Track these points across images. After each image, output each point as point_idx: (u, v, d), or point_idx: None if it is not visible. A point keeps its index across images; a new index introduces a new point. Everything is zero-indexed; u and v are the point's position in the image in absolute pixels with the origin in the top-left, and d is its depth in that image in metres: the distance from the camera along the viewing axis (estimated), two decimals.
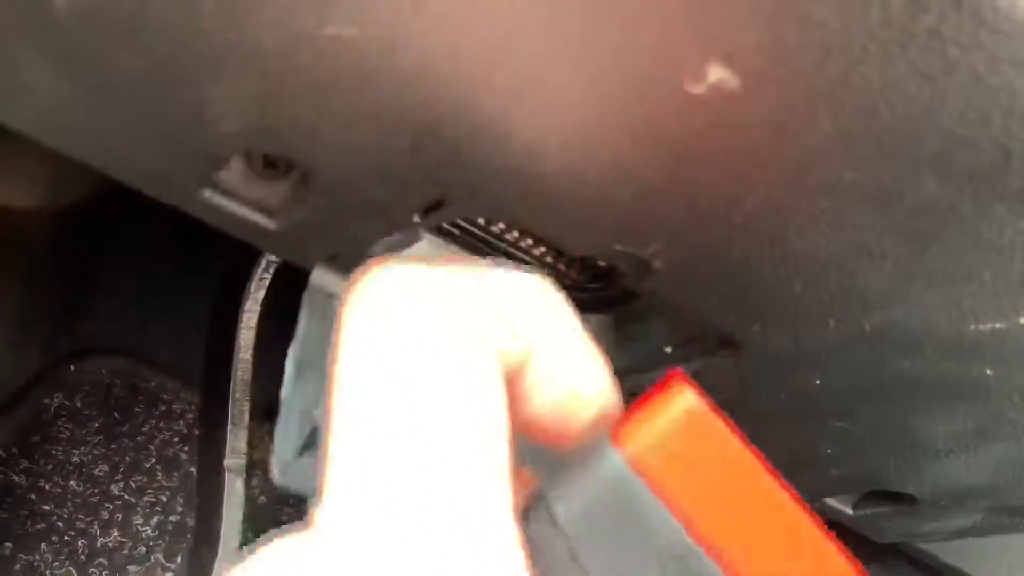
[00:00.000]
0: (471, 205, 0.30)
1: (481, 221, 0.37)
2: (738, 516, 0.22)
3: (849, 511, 0.50)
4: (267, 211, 0.33)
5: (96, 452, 0.73)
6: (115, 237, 0.75)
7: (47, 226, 0.71)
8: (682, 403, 0.22)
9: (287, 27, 0.24)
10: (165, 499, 0.74)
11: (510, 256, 0.38)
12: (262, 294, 0.61)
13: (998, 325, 0.32)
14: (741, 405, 0.41)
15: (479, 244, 0.38)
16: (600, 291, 0.39)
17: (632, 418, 0.22)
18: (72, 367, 0.74)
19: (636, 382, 0.41)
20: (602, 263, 0.38)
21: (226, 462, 0.58)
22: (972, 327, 0.32)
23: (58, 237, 0.73)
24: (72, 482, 0.72)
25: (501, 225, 0.37)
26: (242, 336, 0.60)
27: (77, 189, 0.74)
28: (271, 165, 0.32)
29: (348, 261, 0.36)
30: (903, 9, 0.21)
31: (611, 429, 0.22)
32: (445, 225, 0.37)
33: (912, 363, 0.35)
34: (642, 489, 0.21)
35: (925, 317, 0.32)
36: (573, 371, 0.23)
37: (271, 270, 0.61)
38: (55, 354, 0.74)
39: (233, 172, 0.31)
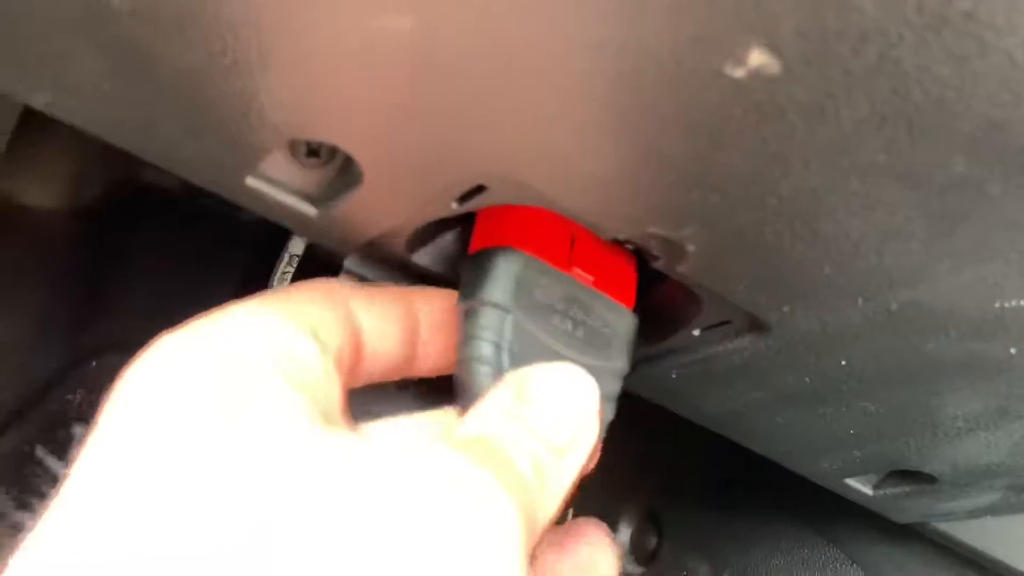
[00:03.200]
0: (510, 191, 0.31)
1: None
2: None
3: (870, 491, 0.51)
4: (309, 198, 0.33)
5: None
6: (136, 235, 0.76)
7: (68, 225, 0.72)
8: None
9: (338, 18, 0.24)
10: None
11: None
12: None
13: (1023, 303, 0.32)
14: (769, 387, 0.42)
15: None
16: None
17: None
18: (95, 363, 0.74)
19: (669, 365, 0.42)
20: (631, 247, 0.39)
21: None
22: (997, 305, 0.33)
23: (79, 236, 0.74)
24: None
25: None
26: None
27: (98, 189, 0.75)
28: (314, 153, 0.32)
29: (384, 248, 0.37)
30: None
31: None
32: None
33: (936, 343, 0.36)
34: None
35: (951, 296, 0.33)
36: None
37: (294, 264, 0.62)
38: (77, 351, 0.75)
39: (276, 160, 0.32)
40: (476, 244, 0.35)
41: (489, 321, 0.33)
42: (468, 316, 0.33)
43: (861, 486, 0.51)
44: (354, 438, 0.27)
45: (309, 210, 0.33)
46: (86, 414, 0.74)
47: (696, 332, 0.39)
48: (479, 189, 0.31)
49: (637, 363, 0.43)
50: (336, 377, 0.30)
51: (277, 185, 0.33)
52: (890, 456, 0.46)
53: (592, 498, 0.46)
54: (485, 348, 0.32)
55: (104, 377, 0.75)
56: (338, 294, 0.31)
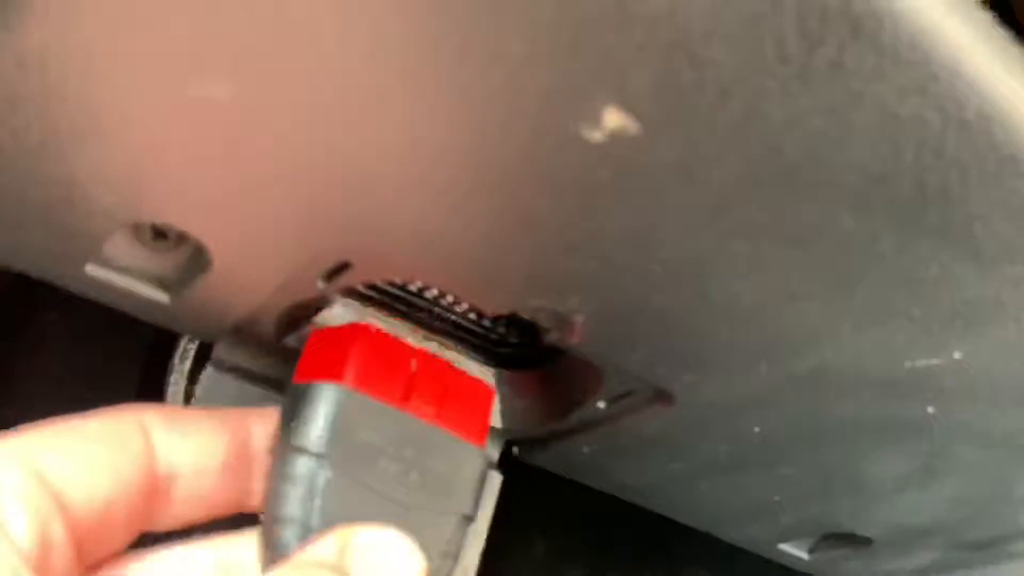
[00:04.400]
0: (376, 268, 0.28)
1: (398, 280, 0.35)
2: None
3: (805, 555, 0.49)
4: (160, 284, 0.30)
5: None
6: (33, 326, 0.72)
7: None
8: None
9: (149, 87, 0.22)
10: None
11: (432, 314, 0.36)
12: (187, 366, 0.58)
13: (933, 361, 0.30)
14: (684, 457, 0.39)
15: (397, 304, 0.36)
16: (528, 347, 0.38)
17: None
18: None
19: (579, 440, 0.39)
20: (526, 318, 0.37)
21: None
22: (907, 365, 0.31)
23: None
24: None
25: (419, 283, 0.35)
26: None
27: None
28: (161, 235, 0.30)
29: (254, 331, 0.34)
30: (799, 44, 0.20)
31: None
32: (359, 288, 0.35)
33: (850, 404, 0.34)
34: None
35: (858, 358, 0.31)
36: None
37: (196, 341, 0.58)
38: None
39: (119, 244, 0.29)
40: (300, 373, 0.31)
41: (301, 472, 0.29)
42: (279, 462, 0.29)
43: (796, 551, 0.48)
44: None
45: (161, 297, 0.30)
46: None
47: (601, 404, 0.37)
48: (344, 266, 0.29)
49: (548, 440, 0.40)
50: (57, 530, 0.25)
51: (123, 272, 0.30)
52: (821, 520, 0.44)
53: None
54: (292, 507, 0.28)
55: None
56: (129, 428, 0.27)
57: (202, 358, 0.59)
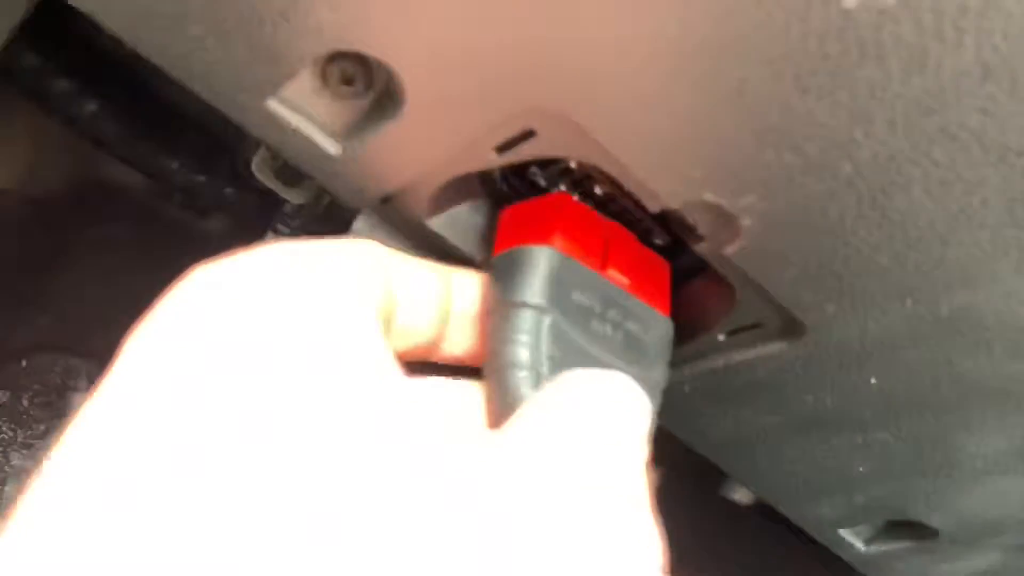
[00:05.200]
0: (562, 139, 0.28)
1: (542, 183, 0.35)
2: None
3: (862, 546, 0.48)
4: (333, 133, 0.30)
5: (39, 457, 0.67)
6: (87, 232, 0.71)
7: (18, 210, 0.67)
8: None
9: None
10: None
11: None
12: None
13: None
14: (786, 409, 0.39)
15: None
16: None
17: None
18: (24, 363, 0.68)
19: (684, 375, 0.39)
20: (658, 241, 0.37)
21: None
22: None
23: (25, 224, 0.69)
24: (8, 488, 0.66)
25: (562, 188, 0.35)
26: None
27: (55, 177, 0.70)
28: (347, 82, 0.30)
29: (402, 207, 0.34)
30: None
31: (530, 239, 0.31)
32: (505, 188, 0.35)
33: (976, 362, 0.34)
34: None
35: (1006, 302, 0.31)
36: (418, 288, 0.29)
37: None
38: (6, 348, 0.69)
39: (303, 84, 0.29)
40: (503, 243, 0.32)
41: (525, 323, 0.29)
42: (501, 318, 0.30)
43: (854, 540, 0.48)
44: None
45: (332, 147, 0.30)
46: (10, 417, 0.68)
47: (722, 336, 0.37)
48: (526, 136, 0.29)
49: None
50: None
51: (301, 112, 0.30)
52: (895, 501, 0.44)
53: None
54: (523, 353, 0.29)
55: (31, 379, 0.69)
56: (379, 257, 0.27)
57: None
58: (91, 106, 0.66)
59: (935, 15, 0.23)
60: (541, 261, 0.31)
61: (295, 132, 0.30)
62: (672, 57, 0.25)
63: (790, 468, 0.43)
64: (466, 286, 0.31)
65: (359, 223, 0.34)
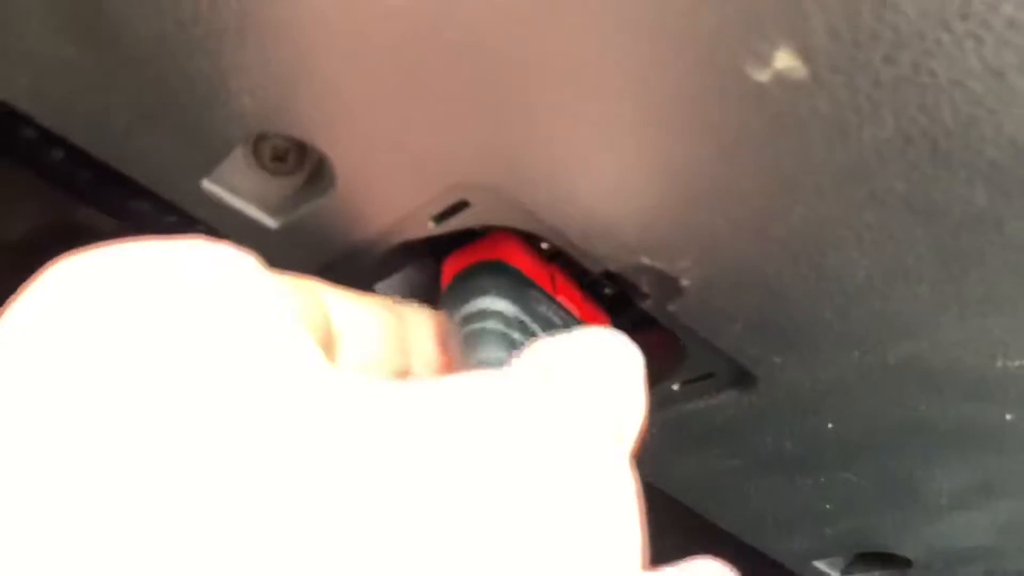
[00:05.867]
0: (496, 209, 0.28)
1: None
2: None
3: None
4: (269, 208, 0.30)
5: None
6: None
7: None
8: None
9: None
10: None
11: None
12: None
13: None
14: (747, 452, 0.39)
15: None
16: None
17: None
18: None
19: (650, 419, 0.39)
20: (608, 292, 0.37)
21: None
22: (998, 364, 0.31)
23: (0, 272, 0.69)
24: None
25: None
26: None
27: (26, 223, 0.70)
28: (279, 158, 0.30)
29: (345, 275, 0.33)
30: None
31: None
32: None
33: (929, 406, 0.34)
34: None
35: (952, 350, 0.31)
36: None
37: None
38: None
39: (237, 163, 0.29)
40: (461, 263, 0.31)
41: (495, 326, 0.28)
42: (468, 327, 0.28)
43: (829, 570, 0.48)
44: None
45: (269, 221, 0.30)
46: None
47: (675, 386, 0.37)
48: (460, 206, 0.29)
49: None
50: None
51: (236, 191, 0.30)
52: (864, 534, 0.44)
53: None
54: (495, 351, 0.27)
55: None
56: (310, 284, 0.24)
57: None
58: (58, 153, 0.67)
59: (849, 90, 0.23)
60: (506, 274, 0.30)
61: (231, 209, 0.30)
62: (597, 130, 0.25)
63: (757, 506, 0.43)
64: (424, 320, 0.29)
65: None
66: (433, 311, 0.29)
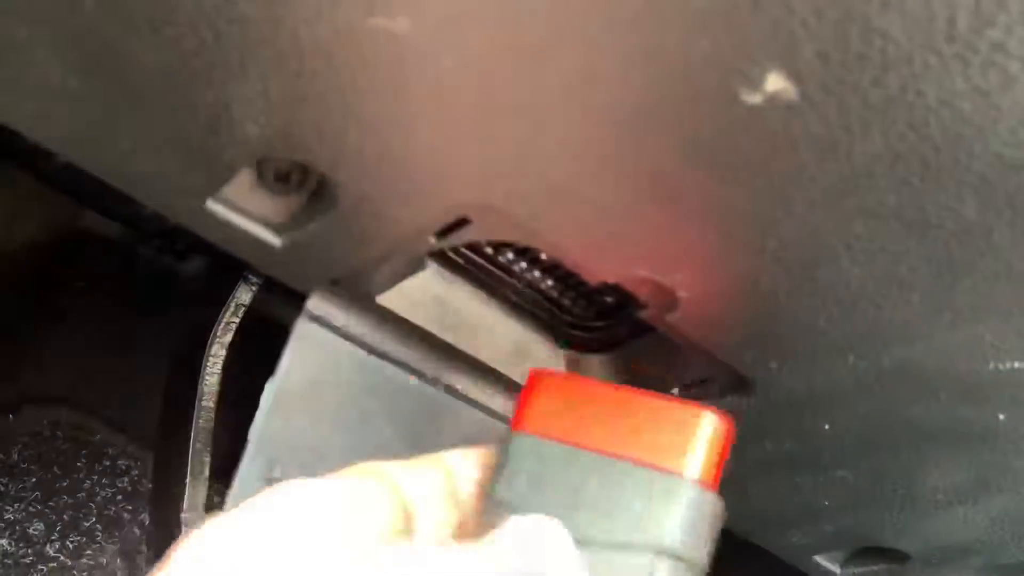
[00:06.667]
0: (495, 225, 0.29)
1: (488, 250, 0.36)
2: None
3: (837, 570, 0.49)
4: (273, 227, 0.31)
5: (32, 509, 0.68)
6: (70, 282, 0.72)
7: None
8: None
9: (330, 18, 0.23)
10: (104, 561, 0.69)
11: (516, 289, 0.37)
12: (228, 338, 0.58)
13: (1017, 365, 0.31)
14: (746, 453, 0.40)
15: (484, 275, 0.37)
16: (605, 329, 0.38)
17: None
18: (11, 417, 0.69)
19: None
20: (608, 299, 0.38)
21: (183, 516, 0.54)
22: (991, 366, 0.32)
23: (7, 278, 0.70)
24: (3, 541, 0.67)
25: (509, 255, 0.36)
26: (205, 383, 0.57)
27: (32, 230, 0.71)
28: (282, 179, 0.30)
29: (350, 287, 0.34)
30: (969, 23, 0.21)
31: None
32: (451, 255, 0.36)
33: (924, 407, 0.35)
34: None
35: (945, 355, 0.31)
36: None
37: (240, 313, 0.58)
38: None
39: (241, 184, 0.30)
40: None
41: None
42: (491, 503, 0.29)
43: (829, 564, 0.49)
44: None
45: (273, 239, 0.31)
46: (0, 470, 0.69)
47: (675, 390, 0.37)
48: (461, 223, 0.29)
49: None
50: None
51: (240, 211, 0.30)
52: (863, 530, 0.45)
53: None
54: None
55: (18, 432, 0.69)
56: (379, 471, 0.28)
57: (243, 329, 0.59)
58: (62, 158, 0.67)
59: (839, 110, 0.23)
60: (520, 452, 0.29)
61: (236, 229, 0.30)
62: (596, 152, 0.26)
63: (758, 504, 0.44)
64: (460, 463, 0.30)
65: (311, 303, 0.35)
66: (475, 452, 0.30)
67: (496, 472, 0.29)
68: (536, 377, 0.29)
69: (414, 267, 0.35)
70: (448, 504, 0.29)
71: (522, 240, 0.30)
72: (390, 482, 0.28)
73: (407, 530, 0.28)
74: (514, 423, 0.29)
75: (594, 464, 0.28)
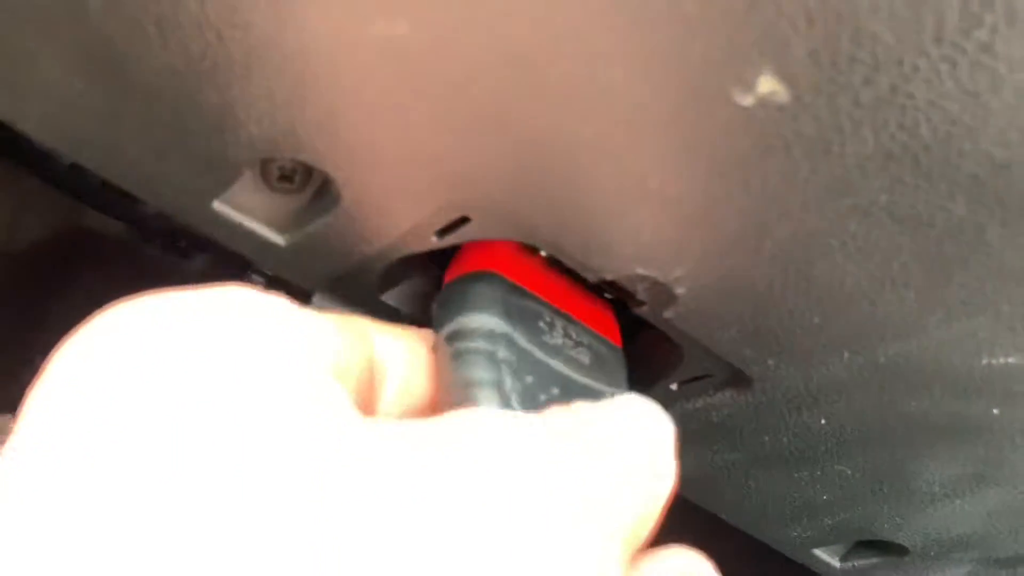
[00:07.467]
0: (495, 224, 0.29)
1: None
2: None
3: (836, 563, 0.50)
4: (277, 226, 0.31)
5: None
6: (75, 284, 0.72)
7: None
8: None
9: (333, 21, 0.23)
10: None
11: None
12: None
13: (1011, 360, 0.32)
14: (745, 447, 0.40)
15: None
16: None
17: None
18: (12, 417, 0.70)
19: None
20: (606, 296, 0.38)
21: None
22: (985, 361, 0.32)
23: (8, 281, 0.70)
24: None
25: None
26: None
27: (36, 231, 0.72)
28: (285, 178, 0.31)
29: (354, 285, 0.35)
30: (957, 24, 0.21)
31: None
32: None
33: (919, 402, 0.35)
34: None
35: (939, 350, 0.32)
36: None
37: None
38: None
39: (246, 184, 0.30)
40: (453, 273, 0.32)
41: (481, 346, 0.28)
42: (454, 345, 0.29)
43: (828, 558, 0.49)
44: None
45: (277, 238, 0.31)
46: None
47: (673, 386, 0.38)
48: (461, 221, 0.30)
49: None
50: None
51: (245, 211, 0.31)
52: (862, 524, 0.45)
53: None
54: (479, 372, 0.28)
55: None
56: (357, 322, 0.26)
57: None
58: (67, 159, 0.68)
59: (831, 111, 0.24)
60: (485, 281, 0.31)
61: (241, 228, 0.31)
62: (594, 151, 0.26)
63: (756, 499, 0.44)
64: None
65: (315, 300, 0.35)
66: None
67: (455, 308, 0.30)
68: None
69: (419, 265, 0.35)
70: (424, 374, 0.28)
71: (522, 238, 0.30)
72: (362, 332, 0.26)
73: (371, 388, 0.26)
74: (475, 264, 0.31)
75: (563, 318, 0.32)
